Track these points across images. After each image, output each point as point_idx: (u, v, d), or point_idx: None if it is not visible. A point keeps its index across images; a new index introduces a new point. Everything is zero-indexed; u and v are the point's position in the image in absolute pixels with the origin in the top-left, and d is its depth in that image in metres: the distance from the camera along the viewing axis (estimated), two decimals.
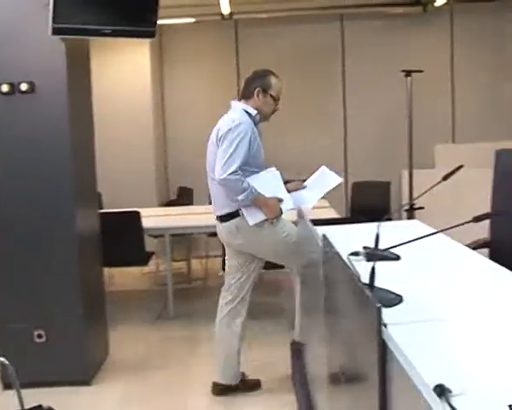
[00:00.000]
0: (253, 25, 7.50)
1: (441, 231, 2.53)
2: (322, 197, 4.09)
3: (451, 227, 2.28)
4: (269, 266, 4.88)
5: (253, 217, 3.81)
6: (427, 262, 2.62)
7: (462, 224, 2.14)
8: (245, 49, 7.62)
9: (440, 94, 7.49)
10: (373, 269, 2.03)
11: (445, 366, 1.46)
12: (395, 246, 2.47)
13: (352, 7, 7.21)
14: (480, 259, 2.66)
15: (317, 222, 3.70)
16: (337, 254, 1.91)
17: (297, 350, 3.99)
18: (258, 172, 3.88)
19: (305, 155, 7.28)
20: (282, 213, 3.89)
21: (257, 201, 3.77)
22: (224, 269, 5.08)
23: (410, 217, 5.81)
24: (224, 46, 7.67)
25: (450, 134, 7.56)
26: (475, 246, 3.36)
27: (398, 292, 2.06)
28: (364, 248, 2.63)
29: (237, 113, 3.89)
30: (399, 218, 6.04)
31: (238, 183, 3.69)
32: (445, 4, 7.06)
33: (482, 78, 7.47)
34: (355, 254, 2.56)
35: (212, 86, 7.70)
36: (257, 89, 3.93)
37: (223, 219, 3.91)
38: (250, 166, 3.80)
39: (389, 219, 4.05)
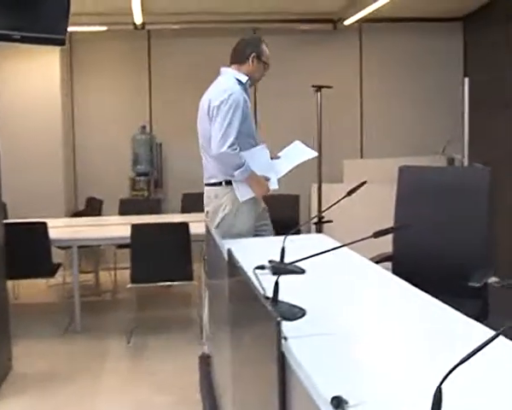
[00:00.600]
0: (166, 35, 7.48)
1: (345, 245, 2.58)
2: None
3: (354, 242, 2.34)
4: (177, 278, 4.88)
5: (242, 193, 3.89)
6: (332, 276, 2.68)
7: (363, 239, 2.20)
8: (157, 59, 7.58)
9: (350, 110, 7.68)
10: (276, 283, 2.07)
11: (342, 379, 1.49)
12: (300, 260, 2.50)
13: (264, 21, 7.29)
14: (382, 272, 2.74)
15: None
16: (240, 268, 1.93)
17: (206, 363, 3.99)
18: (251, 141, 3.95)
19: None
20: (268, 191, 4.03)
21: (250, 178, 3.85)
22: (132, 281, 5.06)
23: (319, 230, 5.91)
24: (136, 56, 7.61)
25: (358, 149, 7.76)
26: (378, 260, 3.47)
27: (301, 306, 2.09)
28: (270, 261, 2.66)
29: (228, 80, 3.98)
30: (309, 231, 6.13)
31: (235, 158, 3.77)
32: (355, 23, 7.26)
33: (390, 95, 7.71)
34: (261, 267, 2.59)
35: (124, 96, 7.62)
36: (252, 54, 4.03)
37: (207, 184, 4.04)
38: (244, 136, 3.86)
39: (298, 233, 4.12)
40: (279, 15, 7.19)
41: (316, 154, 4.22)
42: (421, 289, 2.40)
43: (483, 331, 1.84)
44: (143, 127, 7.34)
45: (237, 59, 4.08)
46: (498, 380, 1.52)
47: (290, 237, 2.83)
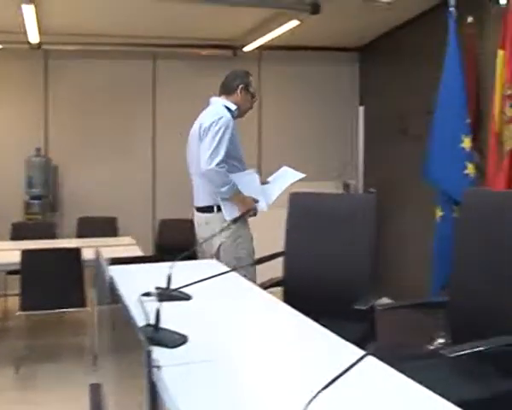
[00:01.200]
0: (63, 56, 7.32)
1: (232, 270, 2.59)
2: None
3: (235, 268, 2.35)
4: (69, 304, 4.75)
5: (229, 212, 4.01)
6: (218, 302, 2.67)
7: (245, 266, 2.21)
8: (54, 80, 7.39)
9: (247, 136, 7.71)
10: (158, 310, 2.04)
11: (215, 408, 1.49)
12: (186, 286, 2.49)
13: (164, 46, 7.28)
14: (268, 298, 2.76)
15: (117, 260, 3.66)
16: (120, 295, 1.90)
17: (96, 391, 3.89)
18: (238, 166, 4.13)
19: (113, 190, 7.21)
20: (256, 213, 4.14)
21: (236, 196, 3.98)
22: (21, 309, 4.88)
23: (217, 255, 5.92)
24: (32, 76, 7.39)
25: None
26: (269, 284, 3.49)
27: (184, 332, 2.07)
28: (157, 288, 2.63)
29: (218, 107, 4.20)
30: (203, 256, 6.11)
31: (222, 175, 3.93)
32: (255, 50, 7.35)
33: (288, 122, 7.82)
34: (147, 294, 2.56)
35: (19, 117, 7.38)
36: (240, 86, 4.28)
37: (198, 209, 4.20)
38: (231, 158, 4.05)
39: (194, 258, 4.11)
40: (180, 40, 7.19)
41: (304, 175, 4.39)
42: (312, 314, 2.43)
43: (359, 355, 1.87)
44: (38, 149, 7.13)
45: (226, 90, 4.31)
46: (365, 401, 1.55)
47: (182, 263, 2.81)
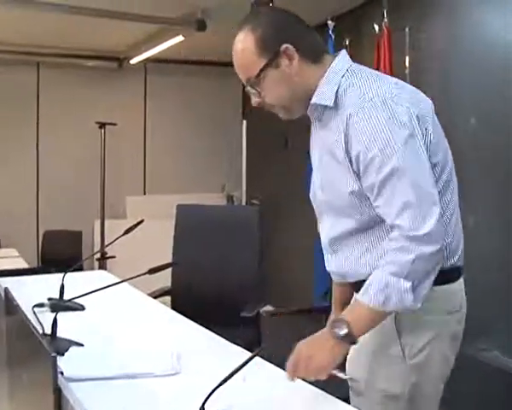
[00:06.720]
0: None
1: (123, 281, 2.68)
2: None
3: (130, 278, 2.46)
4: None
5: None
6: (111, 311, 2.75)
7: (139, 275, 2.32)
8: None
9: (134, 147, 7.75)
10: (55, 319, 2.12)
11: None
12: (79, 296, 2.56)
13: (48, 55, 7.17)
14: (159, 307, 2.88)
15: (5, 273, 3.64)
16: (18, 306, 1.95)
17: None
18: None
19: None
20: None
21: None
22: None
23: (103, 267, 5.94)
24: None
25: (141, 186, 7.84)
26: (158, 294, 3.61)
27: (80, 341, 2.15)
28: (49, 299, 2.67)
29: None
30: (93, 268, 6.10)
31: None
32: (140, 62, 7.39)
33: (174, 133, 7.88)
34: (40, 305, 2.60)
35: None
36: None
37: None
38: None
39: (80, 269, 4.13)
40: (64, 50, 7.10)
41: None
42: (200, 321, 2.57)
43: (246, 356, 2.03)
44: None
45: None
46: (256, 396, 1.71)
47: (72, 274, 2.87)
